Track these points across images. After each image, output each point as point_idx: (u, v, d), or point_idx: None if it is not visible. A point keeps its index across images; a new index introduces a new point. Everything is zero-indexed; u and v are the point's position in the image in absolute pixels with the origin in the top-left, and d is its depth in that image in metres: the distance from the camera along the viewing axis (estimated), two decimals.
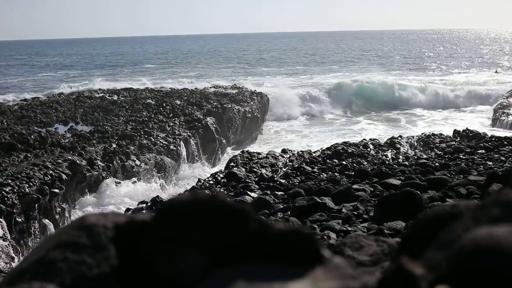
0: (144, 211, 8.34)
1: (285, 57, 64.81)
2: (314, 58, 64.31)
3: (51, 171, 10.08)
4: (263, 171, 10.61)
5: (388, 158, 11.42)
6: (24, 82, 38.31)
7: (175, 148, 14.48)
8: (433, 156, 11.32)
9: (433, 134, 13.94)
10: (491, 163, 9.41)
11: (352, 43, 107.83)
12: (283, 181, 9.36)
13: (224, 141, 17.93)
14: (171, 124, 16.00)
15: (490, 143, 11.64)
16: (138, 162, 12.79)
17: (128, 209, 9.17)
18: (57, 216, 9.76)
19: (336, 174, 9.57)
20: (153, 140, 14.13)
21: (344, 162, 10.77)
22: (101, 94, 21.82)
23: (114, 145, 13.18)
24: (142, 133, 14.46)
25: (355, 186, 7.24)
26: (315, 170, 10.30)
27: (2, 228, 8.22)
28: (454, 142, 12.49)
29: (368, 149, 12.46)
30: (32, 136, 13.04)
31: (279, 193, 8.19)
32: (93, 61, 64.86)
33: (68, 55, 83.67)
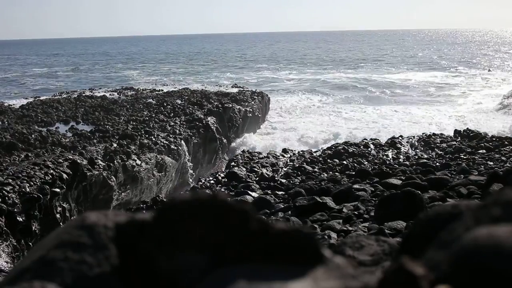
0: (144, 211, 8.34)
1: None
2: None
3: (51, 171, 10.09)
4: (264, 170, 10.61)
5: (388, 158, 11.42)
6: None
7: (175, 148, 14.50)
8: (434, 156, 11.31)
9: (434, 134, 13.94)
10: (492, 163, 9.40)
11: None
12: (283, 180, 9.36)
13: (225, 140, 17.93)
14: (172, 123, 16.01)
15: (491, 143, 11.62)
16: (138, 162, 12.80)
17: (128, 209, 9.18)
18: (57, 216, 9.77)
19: (336, 173, 9.57)
20: (153, 139, 14.14)
21: (344, 162, 10.78)
22: (102, 94, 21.83)
23: (115, 145, 13.19)
24: (143, 132, 14.46)
25: (355, 186, 7.23)
26: (315, 169, 10.31)
27: (2, 228, 8.22)
28: (455, 142, 12.48)
29: (369, 149, 12.46)
30: (33, 136, 13.06)
31: (280, 192, 8.19)
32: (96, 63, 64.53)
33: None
